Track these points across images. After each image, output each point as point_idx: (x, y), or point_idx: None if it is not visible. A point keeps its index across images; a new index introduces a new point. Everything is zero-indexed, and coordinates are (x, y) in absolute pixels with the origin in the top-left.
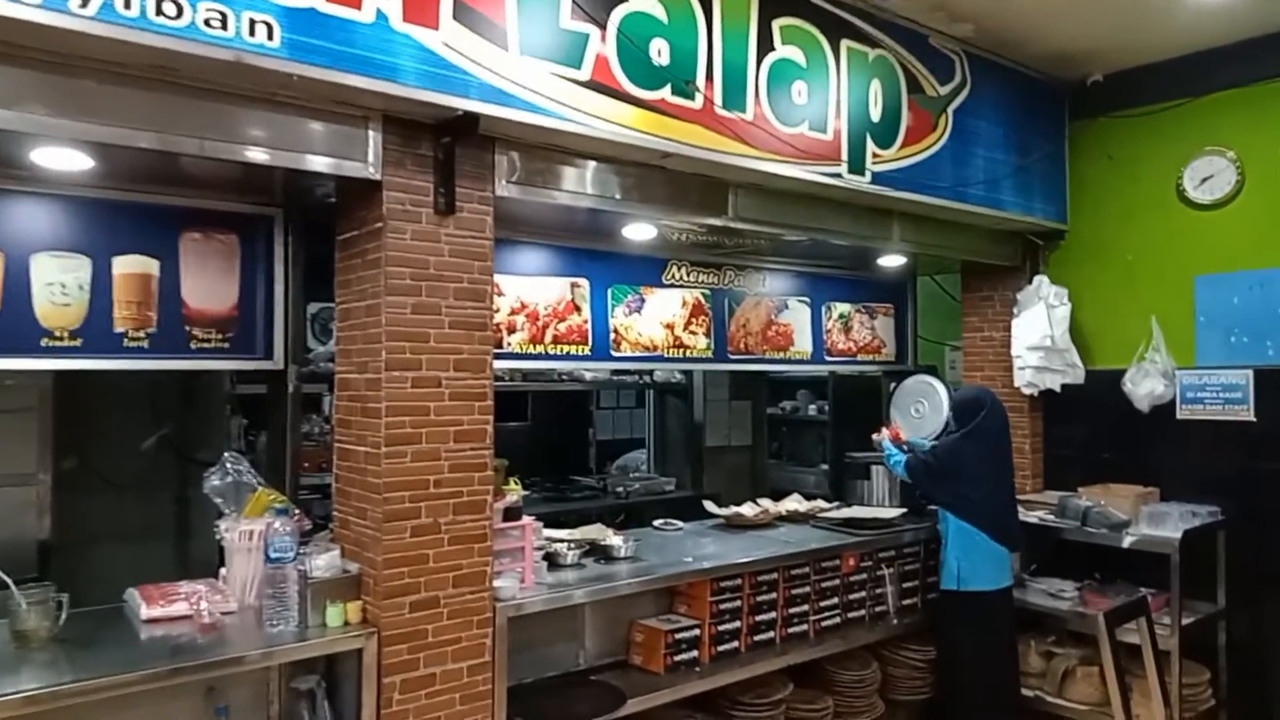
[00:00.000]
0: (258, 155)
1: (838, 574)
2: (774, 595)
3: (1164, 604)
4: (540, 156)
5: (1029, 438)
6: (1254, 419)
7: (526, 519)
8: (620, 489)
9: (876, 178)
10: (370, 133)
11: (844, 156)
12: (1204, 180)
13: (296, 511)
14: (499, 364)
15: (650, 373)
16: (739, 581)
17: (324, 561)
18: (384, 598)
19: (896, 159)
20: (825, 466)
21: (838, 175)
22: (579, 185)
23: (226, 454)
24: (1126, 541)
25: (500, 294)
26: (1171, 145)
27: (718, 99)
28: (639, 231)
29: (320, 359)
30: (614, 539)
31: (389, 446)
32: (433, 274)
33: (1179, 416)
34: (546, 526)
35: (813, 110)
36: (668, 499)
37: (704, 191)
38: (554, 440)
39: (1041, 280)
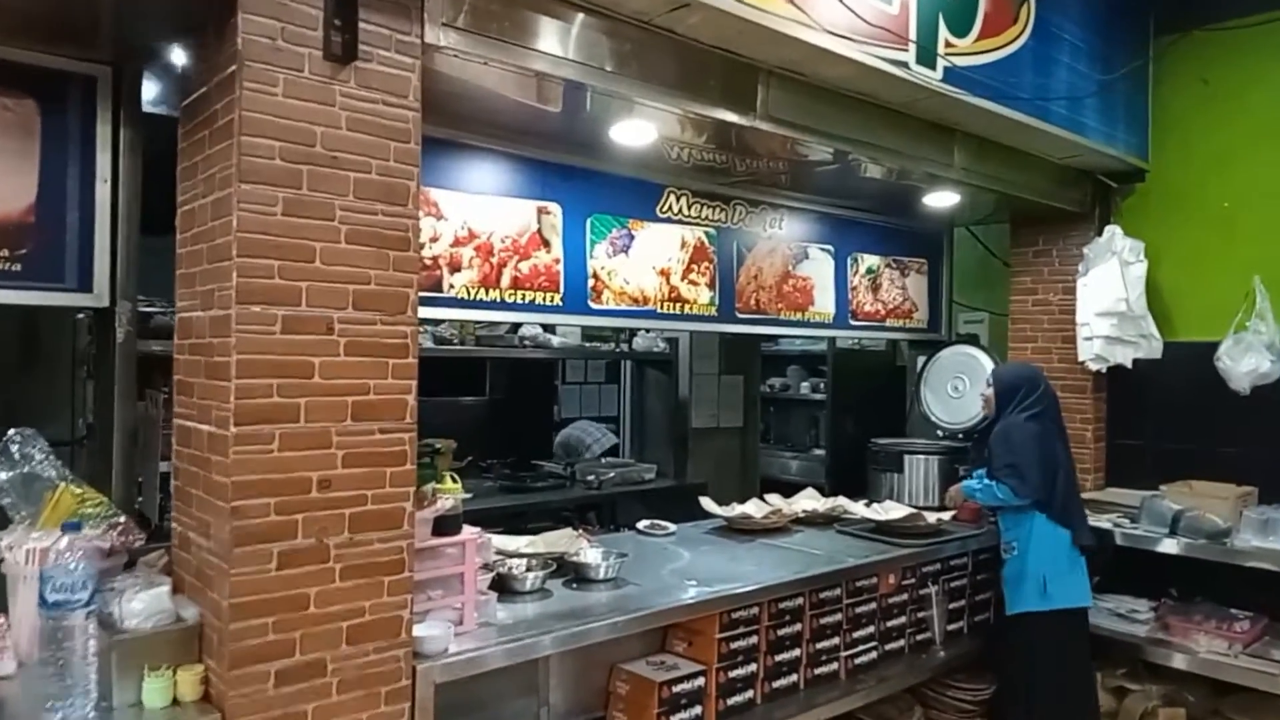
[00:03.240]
0: None
1: (875, 595)
2: (799, 627)
3: (1261, 632)
4: None
5: (1091, 424)
6: None
7: (469, 531)
8: (591, 477)
9: (950, 75)
10: None
11: (913, 37)
12: None
13: (120, 519)
14: (436, 312)
15: (629, 339)
16: (756, 611)
17: (143, 604)
18: (235, 664)
19: (972, 52)
20: (820, 452)
21: (904, 65)
22: (556, 45)
23: (13, 432)
24: (1240, 558)
25: (440, 216)
26: None
27: None
28: (633, 133)
29: None
30: (589, 554)
31: (242, 425)
32: (321, 154)
33: None
34: (503, 525)
35: None
36: (647, 489)
37: (726, 76)
38: (514, 419)
39: (1114, 232)
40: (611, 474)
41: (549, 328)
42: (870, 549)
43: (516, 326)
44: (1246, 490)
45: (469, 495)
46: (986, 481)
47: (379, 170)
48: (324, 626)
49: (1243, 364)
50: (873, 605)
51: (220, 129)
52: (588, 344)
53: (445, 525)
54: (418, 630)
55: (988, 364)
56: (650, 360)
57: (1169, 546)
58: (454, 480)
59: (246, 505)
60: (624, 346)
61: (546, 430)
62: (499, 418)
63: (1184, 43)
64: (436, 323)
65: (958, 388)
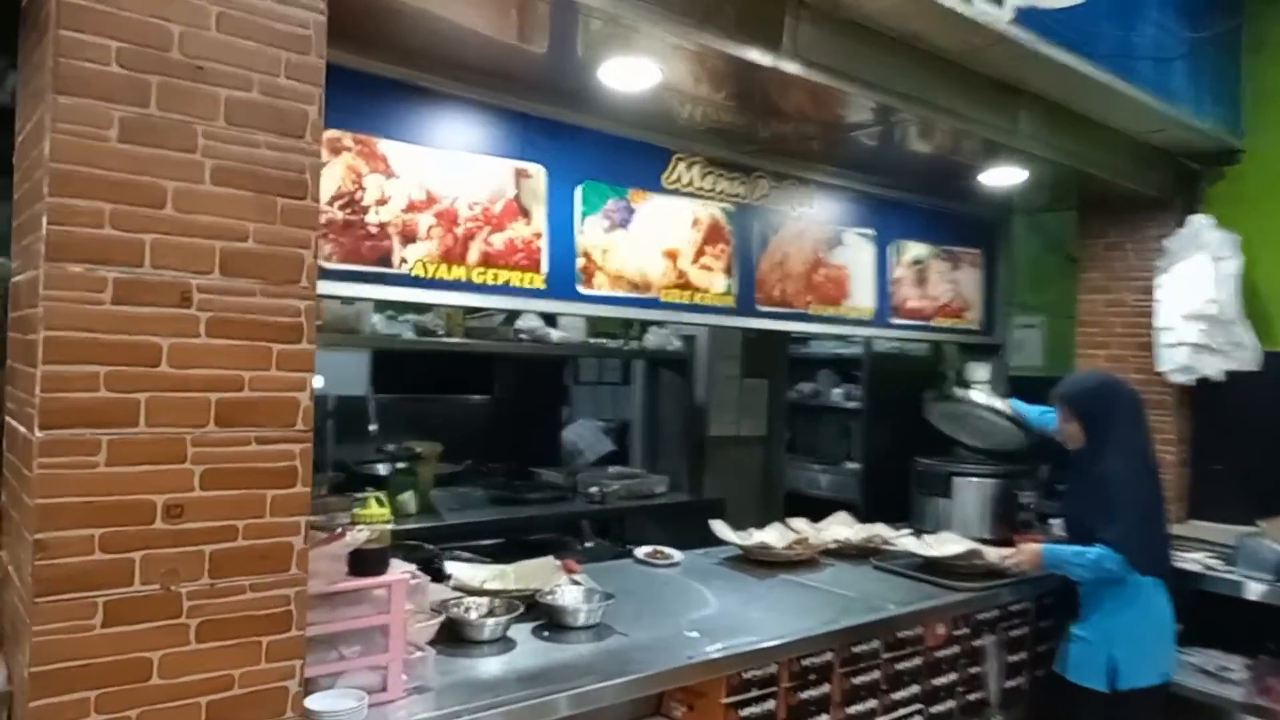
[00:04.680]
0: None
1: (920, 649)
2: (827, 689)
3: None
4: None
5: (1174, 445)
6: None
7: (398, 570)
8: (594, 489)
9: (1022, 16)
10: None
11: None
12: None
13: None
14: (384, 291)
15: (639, 335)
16: (774, 670)
17: None
18: None
19: None
20: (853, 466)
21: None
22: None
23: None
24: None
25: (391, 174)
26: None
27: None
28: (632, 75)
29: None
30: (567, 594)
31: (52, 429)
32: (179, 63)
33: None
34: (488, 540)
35: None
36: (657, 504)
37: (746, 1)
38: (521, 420)
39: (1202, 222)
40: (616, 486)
41: (550, 319)
42: (915, 592)
43: (513, 317)
44: None
45: (454, 508)
46: (1099, 552)
47: (264, 89)
48: (174, 703)
49: None
50: (917, 661)
51: (39, 23)
52: (593, 339)
53: (365, 563)
54: (315, 703)
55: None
56: (664, 360)
57: (1270, 595)
58: (380, 504)
59: (57, 539)
60: (634, 342)
61: (555, 434)
62: (505, 419)
63: None
64: (420, 310)
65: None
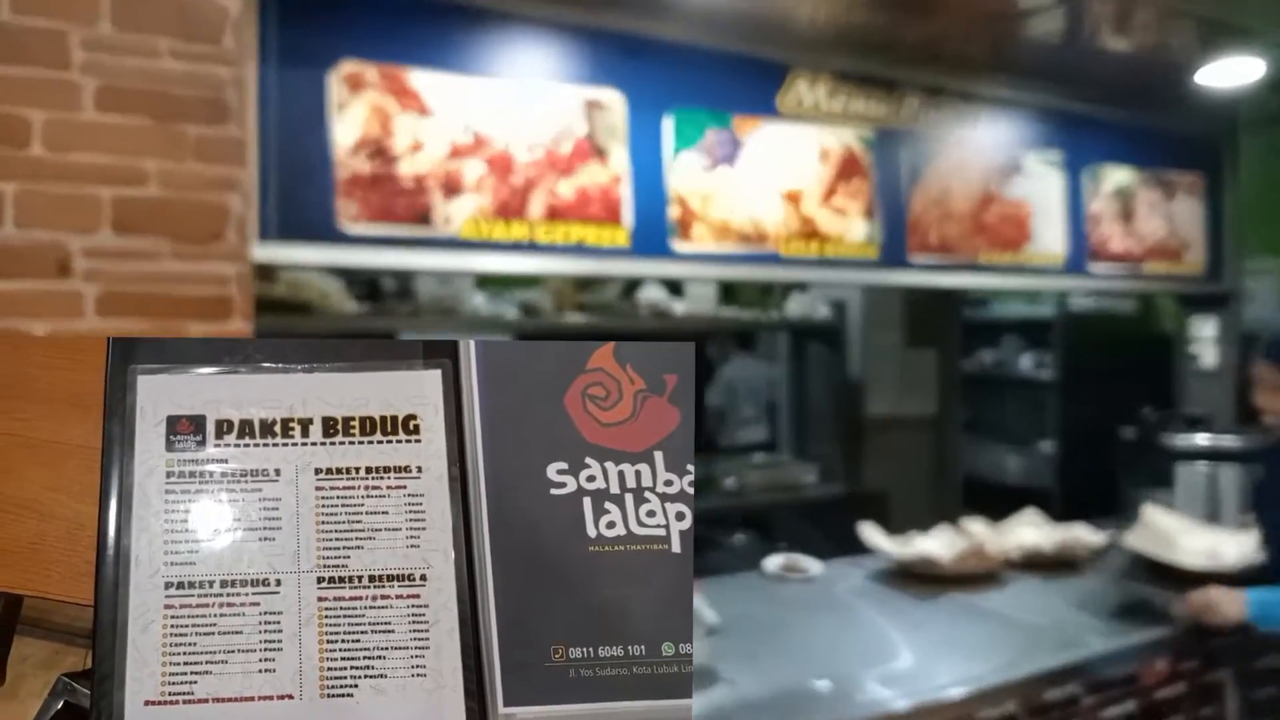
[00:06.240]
0: None
1: (1132, 690)
2: None
3: None
4: None
5: None
6: None
7: None
8: (730, 480)
9: None
10: None
11: None
12: None
13: None
14: (422, 257)
15: (779, 302)
16: None
17: None
18: None
19: None
20: (1047, 446)
21: None
22: None
23: None
24: None
25: (425, 111)
26: None
27: None
28: None
29: None
30: None
31: None
32: None
33: None
34: None
35: None
36: (807, 499)
37: None
38: None
39: None
40: (756, 477)
41: (676, 289)
42: (1124, 616)
43: (631, 289)
44: None
45: None
46: None
47: None
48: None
49: None
50: (1130, 705)
51: None
52: (725, 310)
53: None
54: None
55: None
56: (809, 330)
57: None
58: None
59: None
60: (774, 313)
61: (698, 421)
62: None
63: None
64: (527, 284)
65: None
